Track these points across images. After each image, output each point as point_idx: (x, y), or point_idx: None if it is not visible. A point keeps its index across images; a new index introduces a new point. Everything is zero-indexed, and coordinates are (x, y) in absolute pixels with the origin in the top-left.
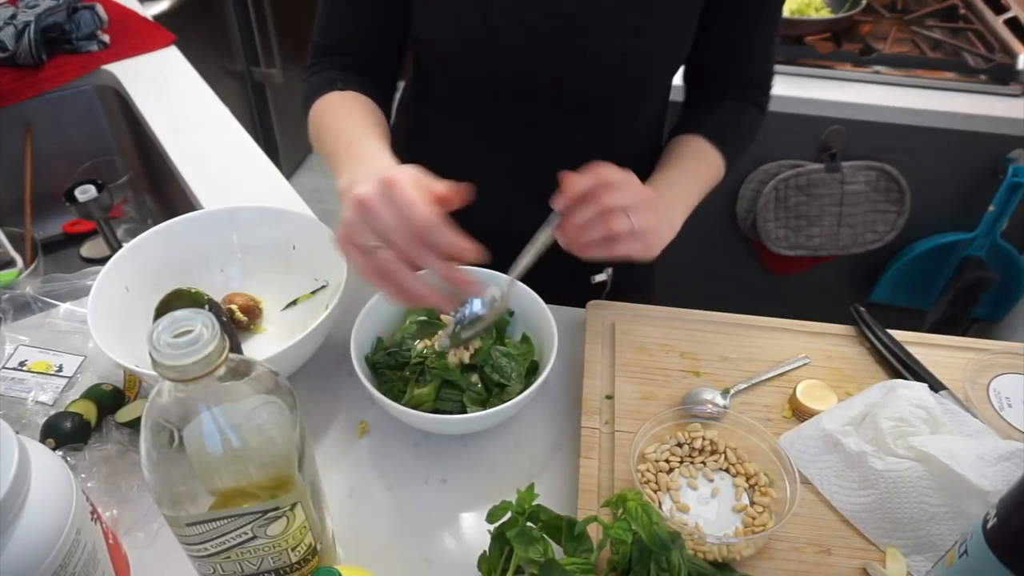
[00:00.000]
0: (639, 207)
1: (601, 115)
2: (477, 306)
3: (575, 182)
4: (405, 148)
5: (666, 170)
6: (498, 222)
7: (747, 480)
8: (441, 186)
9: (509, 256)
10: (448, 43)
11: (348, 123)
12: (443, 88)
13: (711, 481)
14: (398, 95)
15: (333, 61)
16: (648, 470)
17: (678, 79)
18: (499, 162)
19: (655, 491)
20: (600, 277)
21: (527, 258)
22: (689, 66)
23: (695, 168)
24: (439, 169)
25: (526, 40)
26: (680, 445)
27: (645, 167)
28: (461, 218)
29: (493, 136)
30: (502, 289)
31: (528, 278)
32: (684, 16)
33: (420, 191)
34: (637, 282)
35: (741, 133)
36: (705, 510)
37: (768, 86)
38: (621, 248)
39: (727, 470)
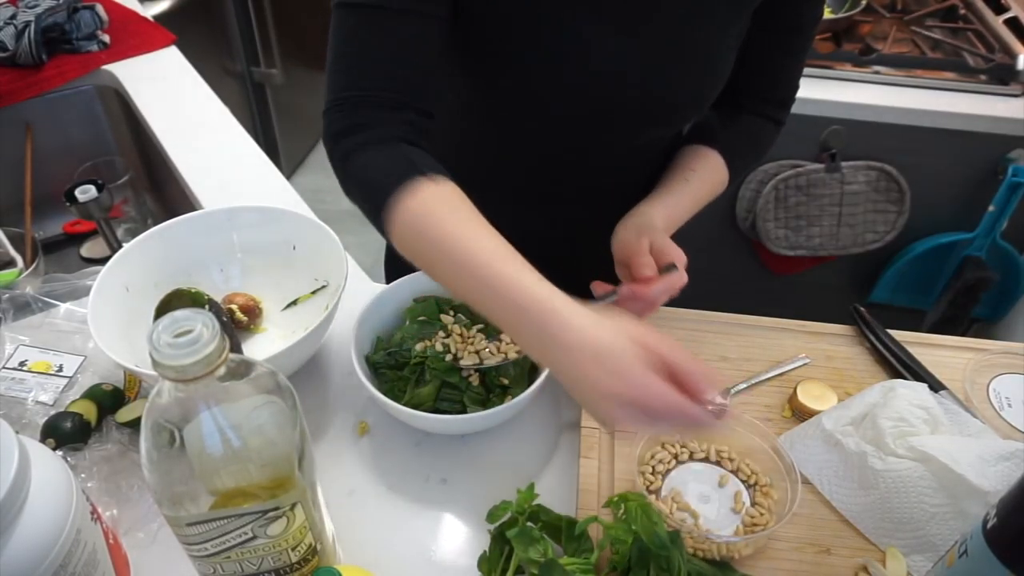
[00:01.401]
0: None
1: (646, 140)
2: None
3: (655, 293)
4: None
5: (678, 184)
6: (527, 230)
7: (748, 480)
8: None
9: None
10: (531, 72)
11: (486, 248)
12: (496, 119)
13: (712, 480)
14: None
15: (393, 118)
16: (650, 472)
17: None
18: (535, 175)
19: (656, 491)
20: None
21: None
22: None
23: (703, 185)
24: (475, 178)
25: (613, 88)
26: (681, 445)
27: (659, 166)
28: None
29: (536, 154)
30: None
31: (564, 274)
32: (736, 46)
33: (668, 390)
34: None
35: (754, 151)
36: (705, 509)
37: (790, 104)
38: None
39: (729, 469)
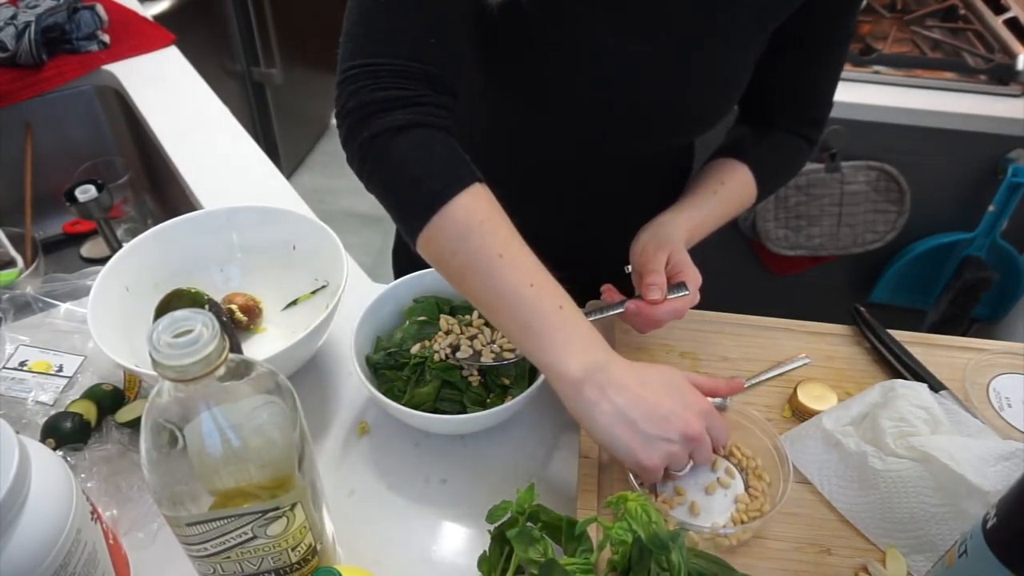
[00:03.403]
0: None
1: (657, 150)
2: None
3: (659, 315)
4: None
5: (706, 196)
6: (534, 232)
7: (740, 464)
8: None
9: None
10: (552, 97)
11: (537, 276)
12: (512, 119)
13: (705, 467)
14: None
15: (434, 97)
16: None
17: None
18: (545, 177)
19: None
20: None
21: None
22: (750, 90)
23: (731, 200)
24: (492, 171)
25: (626, 97)
26: None
27: (678, 175)
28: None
29: (547, 156)
30: None
31: (565, 273)
32: (753, 62)
33: (712, 418)
34: None
35: (786, 169)
36: (700, 495)
37: (824, 122)
38: None
39: (721, 455)
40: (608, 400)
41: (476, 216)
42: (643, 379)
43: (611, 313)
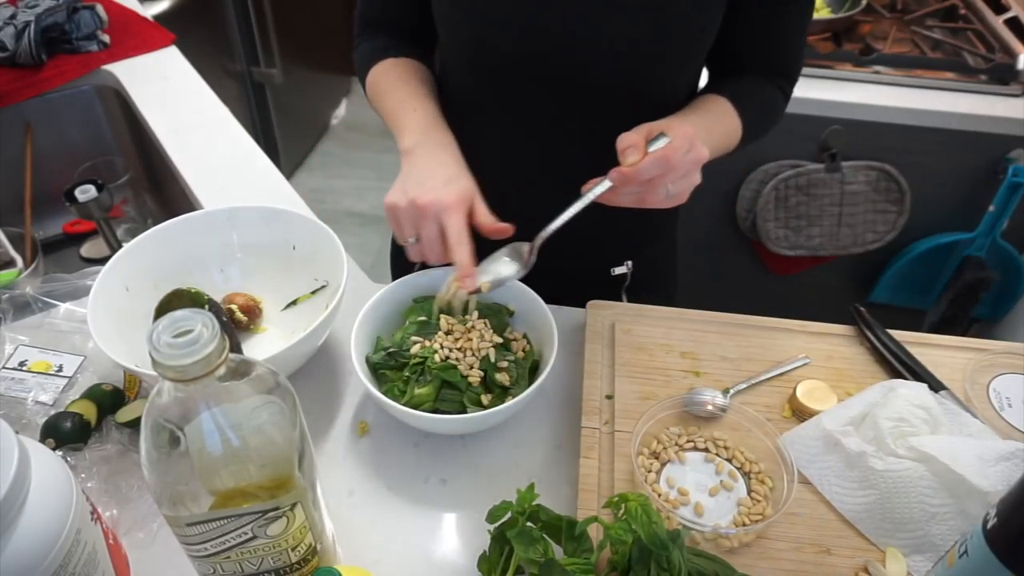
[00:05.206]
0: (685, 178)
1: (621, 101)
2: (505, 265)
3: (643, 170)
4: None
5: (690, 115)
6: (523, 207)
7: (743, 468)
8: (483, 217)
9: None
10: (461, 28)
11: (401, 84)
12: (463, 76)
13: (709, 469)
14: None
15: (381, 29)
16: (650, 458)
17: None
18: (523, 149)
19: (656, 477)
20: (620, 270)
21: (562, 218)
22: (715, 48)
23: (718, 120)
24: (492, 161)
25: (537, 25)
26: (682, 437)
27: None
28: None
29: (515, 124)
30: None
31: (547, 273)
32: (707, 5)
33: (456, 218)
34: (658, 276)
35: (764, 106)
36: (703, 497)
37: (794, 75)
38: (651, 206)
39: (724, 458)
40: (408, 164)
41: (378, 75)
42: (431, 161)
43: (599, 192)
